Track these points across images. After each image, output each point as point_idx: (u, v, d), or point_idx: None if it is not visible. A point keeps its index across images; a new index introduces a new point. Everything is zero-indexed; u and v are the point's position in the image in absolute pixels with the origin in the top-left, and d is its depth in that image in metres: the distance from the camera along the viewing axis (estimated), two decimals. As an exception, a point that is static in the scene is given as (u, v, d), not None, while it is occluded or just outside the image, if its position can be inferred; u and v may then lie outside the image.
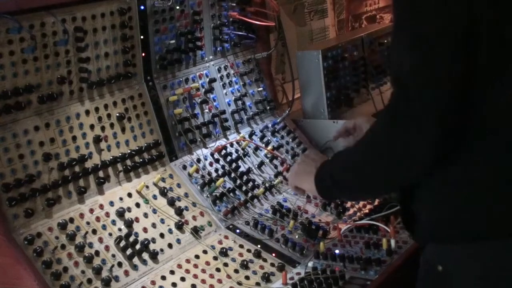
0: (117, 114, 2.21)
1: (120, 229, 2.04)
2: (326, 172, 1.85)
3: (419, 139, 1.55)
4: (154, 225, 2.12)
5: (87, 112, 2.13)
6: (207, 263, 2.08)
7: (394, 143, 1.59)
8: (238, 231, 2.26)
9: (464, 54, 1.51)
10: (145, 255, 2.02)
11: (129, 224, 2.06)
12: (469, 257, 1.63)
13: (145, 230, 2.09)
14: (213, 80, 2.61)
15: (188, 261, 2.08)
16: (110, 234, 2.01)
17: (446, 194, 1.64)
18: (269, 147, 2.66)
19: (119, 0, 2.21)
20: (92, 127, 2.13)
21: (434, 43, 1.51)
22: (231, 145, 2.57)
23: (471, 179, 1.60)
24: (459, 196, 1.62)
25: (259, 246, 2.20)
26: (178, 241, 2.13)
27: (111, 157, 2.16)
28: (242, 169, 2.50)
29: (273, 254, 2.18)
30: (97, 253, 1.94)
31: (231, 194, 2.38)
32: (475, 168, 1.60)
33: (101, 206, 2.06)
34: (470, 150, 1.59)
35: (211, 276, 2.03)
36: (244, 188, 2.43)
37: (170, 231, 2.14)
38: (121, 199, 2.12)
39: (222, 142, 2.57)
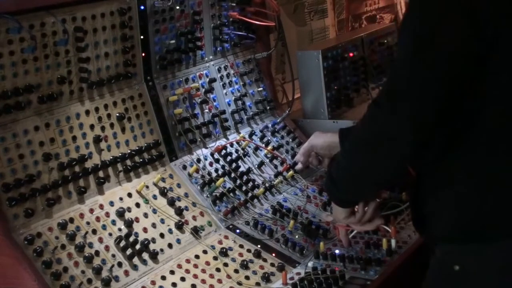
0: (117, 114, 2.21)
1: (120, 229, 2.04)
2: (327, 178, 1.93)
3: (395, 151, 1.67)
4: (154, 225, 2.12)
5: (87, 112, 2.13)
6: (207, 263, 2.08)
7: (376, 142, 1.69)
8: (238, 231, 2.26)
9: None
10: (145, 255, 2.02)
11: (129, 224, 2.06)
12: (488, 256, 1.64)
13: (145, 230, 2.09)
14: (213, 80, 2.61)
15: (188, 261, 2.08)
16: (110, 234, 2.01)
17: (467, 194, 1.65)
18: (269, 147, 2.66)
19: (119, 0, 2.21)
20: (92, 127, 2.13)
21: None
22: (231, 145, 2.57)
23: (493, 179, 1.62)
24: (480, 197, 1.64)
25: (259, 246, 2.20)
26: (178, 241, 2.13)
27: (111, 157, 2.16)
28: (242, 169, 2.50)
29: (273, 254, 2.18)
30: (97, 253, 1.94)
31: (231, 194, 2.38)
32: (496, 167, 1.62)
33: (101, 206, 2.06)
34: (488, 150, 1.60)
35: (211, 276, 2.03)
36: (244, 188, 2.43)
37: (170, 231, 2.14)
38: (121, 199, 2.12)
39: (222, 142, 2.57)
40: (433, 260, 1.78)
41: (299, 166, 2.53)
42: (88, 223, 2.00)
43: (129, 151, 2.21)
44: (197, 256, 2.10)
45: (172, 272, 2.02)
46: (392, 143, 1.64)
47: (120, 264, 1.96)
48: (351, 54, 3.00)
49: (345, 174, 1.83)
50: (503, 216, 1.63)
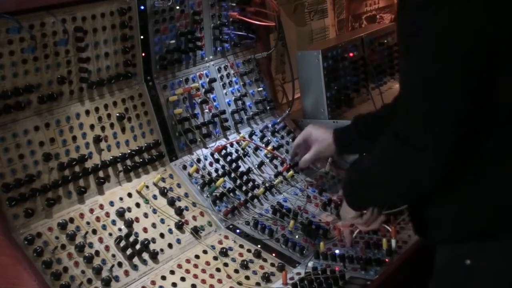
0: (117, 114, 2.21)
1: (120, 229, 2.04)
2: (347, 183, 1.98)
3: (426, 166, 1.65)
4: (154, 225, 2.12)
5: (87, 112, 2.13)
6: (207, 263, 2.08)
7: (402, 164, 1.69)
8: (238, 231, 2.26)
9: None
10: (145, 255, 2.02)
11: (129, 224, 2.06)
12: (498, 253, 1.67)
13: (145, 230, 2.09)
14: (213, 80, 2.61)
15: (188, 261, 2.08)
16: (110, 234, 2.01)
17: (475, 195, 1.67)
18: (269, 147, 2.66)
19: (119, 0, 2.21)
20: (92, 127, 2.13)
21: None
22: (231, 145, 2.57)
23: (505, 177, 1.64)
24: (490, 196, 1.66)
25: (259, 246, 2.20)
26: (178, 241, 2.13)
27: (111, 157, 2.15)
28: (242, 169, 2.50)
29: (273, 254, 2.18)
30: (97, 253, 1.94)
31: (231, 194, 2.38)
32: (506, 167, 1.64)
33: (101, 206, 2.06)
34: (497, 149, 1.61)
35: (211, 276, 2.03)
36: (244, 188, 2.43)
37: (170, 231, 2.14)
38: (121, 199, 2.12)
39: (222, 142, 2.57)
40: (441, 257, 1.78)
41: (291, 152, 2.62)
42: (88, 223, 1.99)
43: (129, 151, 2.21)
44: (197, 256, 2.10)
45: (172, 272, 2.02)
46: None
47: (120, 264, 1.96)
48: (351, 54, 3.00)
49: (371, 187, 1.85)
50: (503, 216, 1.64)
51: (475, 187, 1.67)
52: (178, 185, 2.30)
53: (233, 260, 2.11)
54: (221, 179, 2.37)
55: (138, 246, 2.01)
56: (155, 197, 2.20)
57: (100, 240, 1.98)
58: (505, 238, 1.66)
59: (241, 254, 2.15)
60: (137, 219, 2.10)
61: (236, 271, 2.07)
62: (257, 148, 2.63)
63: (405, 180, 1.70)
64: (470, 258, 1.70)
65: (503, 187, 1.65)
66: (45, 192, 1.94)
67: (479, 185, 1.67)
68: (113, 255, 1.97)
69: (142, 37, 2.31)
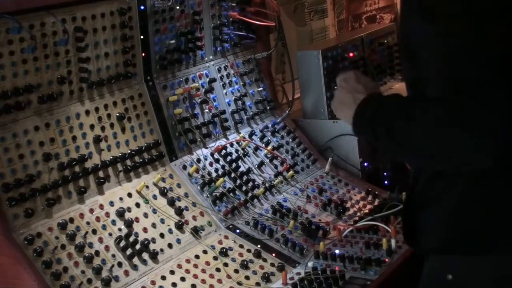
0: (117, 114, 2.21)
1: (120, 229, 2.04)
2: (375, 121, 1.69)
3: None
4: (154, 225, 2.12)
5: (87, 112, 2.13)
6: (207, 263, 2.08)
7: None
8: (238, 231, 2.26)
9: None
10: (145, 255, 2.02)
11: (129, 224, 2.06)
12: (482, 267, 1.62)
13: (145, 230, 2.09)
14: (213, 80, 2.61)
15: (188, 261, 2.08)
16: (110, 234, 2.01)
17: (464, 209, 1.62)
18: (269, 147, 2.66)
19: (119, 0, 2.21)
20: (92, 127, 2.13)
21: None
22: (231, 145, 2.57)
23: (493, 194, 1.59)
24: (477, 211, 1.61)
25: (259, 246, 2.20)
26: (178, 241, 2.13)
27: (111, 157, 2.16)
28: (242, 169, 2.50)
29: (273, 254, 2.18)
30: (97, 253, 1.94)
31: (231, 194, 2.38)
32: (496, 184, 1.58)
33: (101, 206, 2.06)
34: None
35: (211, 276, 2.03)
36: (244, 188, 2.43)
37: (170, 231, 2.14)
38: (121, 199, 2.12)
39: (222, 142, 2.57)
40: (426, 269, 1.77)
41: None
42: (88, 223, 2.00)
43: (129, 151, 2.21)
44: (197, 256, 2.10)
45: (172, 272, 2.02)
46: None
47: (120, 264, 1.96)
48: (351, 54, 3.00)
49: (397, 147, 1.64)
50: (495, 230, 1.60)
51: (461, 198, 1.62)
52: (178, 185, 2.30)
53: (233, 260, 2.11)
54: (221, 179, 2.37)
55: (138, 246, 2.01)
56: (155, 197, 2.20)
57: (100, 240, 1.98)
58: (490, 254, 1.60)
59: (241, 254, 2.15)
60: (137, 219, 2.10)
61: (236, 271, 2.07)
62: (257, 148, 2.64)
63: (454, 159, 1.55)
64: (452, 273, 1.67)
65: (488, 202, 1.60)
66: (45, 192, 1.94)
67: (465, 197, 1.62)
68: (113, 255, 1.97)
69: (142, 37, 2.31)
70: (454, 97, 1.48)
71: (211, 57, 2.66)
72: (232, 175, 2.45)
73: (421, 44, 1.57)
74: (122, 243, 1.99)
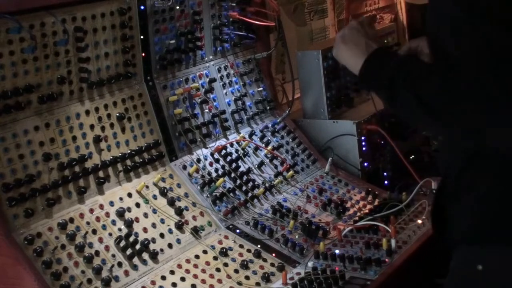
0: (117, 114, 2.21)
1: (120, 229, 2.04)
2: (394, 71, 1.61)
3: None
4: (154, 225, 2.12)
5: (87, 112, 2.13)
6: (207, 263, 2.08)
7: None
8: (238, 231, 2.26)
9: None
10: (145, 255, 2.02)
11: (129, 224, 2.06)
12: None
13: (145, 230, 2.09)
14: (213, 80, 2.61)
15: (188, 261, 2.08)
16: (110, 234, 2.01)
17: (492, 197, 1.61)
18: (269, 147, 2.66)
19: (119, 0, 2.21)
20: (92, 127, 2.13)
21: None
22: (231, 145, 2.57)
23: None
24: (505, 199, 1.59)
25: (259, 246, 2.20)
26: (178, 241, 2.13)
27: (111, 157, 2.16)
28: (242, 169, 2.50)
29: (273, 254, 2.18)
30: (97, 253, 1.94)
31: (231, 194, 2.38)
32: None
33: (101, 206, 2.06)
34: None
35: (211, 276, 2.03)
36: (244, 188, 2.43)
37: (170, 231, 2.14)
38: (121, 199, 2.12)
39: (222, 142, 2.57)
40: (455, 261, 1.76)
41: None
42: (88, 223, 2.00)
43: (129, 151, 2.21)
44: (197, 256, 2.10)
45: (172, 272, 2.02)
46: None
47: (120, 264, 1.96)
48: None
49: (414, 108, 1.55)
50: None
51: (495, 187, 1.60)
52: (178, 185, 2.30)
53: (233, 260, 2.11)
54: (221, 179, 2.37)
55: (138, 246, 2.01)
56: (155, 197, 2.20)
57: (100, 240, 1.98)
58: None
59: (241, 254, 2.15)
60: (137, 219, 2.10)
61: (236, 271, 2.07)
62: (257, 148, 2.63)
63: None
64: (482, 263, 1.67)
65: None
66: (45, 192, 1.94)
67: (499, 185, 1.60)
68: (113, 255, 1.97)
69: (142, 37, 2.31)
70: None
71: (211, 57, 2.66)
72: (232, 175, 2.45)
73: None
74: (122, 243, 1.99)
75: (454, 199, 1.69)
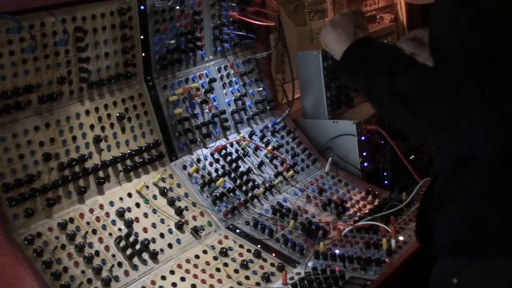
0: (117, 114, 2.21)
1: (120, 229, 2.04)
2: (377, 65, 1.61)
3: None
4: (154, 225, 2.12)
5: (87, 112, 2.13)
6: (207, 263, 2.08)
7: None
8: (238, 231, 2.26)
9: None
10: (145, 255, 2.02)
11: (129, 224, 2.06)
12: (486, 271, 1.59)
13: (145, 230, 2.09)
14: (213, 80, 2.61)
15: (188, 261, 2.08)
16: (110, 234, 2.01)
17: (473, 208, 1.59)
18: (269, 147, 2.66)
19: (119, 0, 2.21)
20: (92, 127, 2.13)
21: None
22: (231, 145, 2.57)
23: (500, 195, 1.56)
24: (485, 212, 1.58)
25: (259, 246, 2.20)
26: (178, 241, 2.13)
27: (111, 157, 2.16)
28: (242, 169, 2.50)
29: (273, 254, 2.18)
30: (97, 253, 1.94)
31: (231, 194, 2.38)
32: (504, 185, 1.55)
33: (101, 206, 2.06)
34: (500, 166, 1.54)
35: (211, 276, 2.03)
36: (244, 188, 2.43)
37: (170, 231, 2.14)
38: (121, 199, 2.12)
39: (222, 142, 2.57)
40: (433, 273, 1.75)
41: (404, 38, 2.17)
42: (88, 223, 2.00)
43: (129, 151, 2.21)
44: (197, 256, 2.10)
45: (172, 272, 2.02)
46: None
47: (120, 264, 1.96)
48: None
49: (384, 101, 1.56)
50: (502, 232, 1.57)
51: (466, 201, 1.60)
52: (178, 185, 2.30)
53: (233, 260, 2.11)
54: (221, 179, 2.37)
55: (138, 246, 2.02)
56: (155, 197, 2.20)
57: (100, 240, 1.98)
58: (502, 256, 1.57)
59: (241, 254, 2.15)
60: (137, 219, 2.10)
61: (236, 271, 2.07)
62: (257, 148, 2.64)
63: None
64: (458, 275, 1.63)
65: (494, 205, 1.57)
66: (45, 192, 1.95)
67: (475, 199, 1.59)
68: (113, 255, 1.97)
69: (142, 37, 2.31)
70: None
71: (211, 57, 2.66)
72: (232, 175, 2.45)
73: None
74: (122, 243, 1.99)
75: (440, 205, 1.68)
